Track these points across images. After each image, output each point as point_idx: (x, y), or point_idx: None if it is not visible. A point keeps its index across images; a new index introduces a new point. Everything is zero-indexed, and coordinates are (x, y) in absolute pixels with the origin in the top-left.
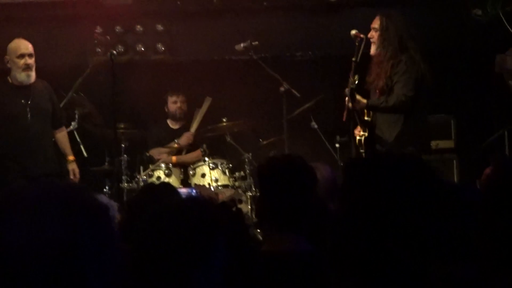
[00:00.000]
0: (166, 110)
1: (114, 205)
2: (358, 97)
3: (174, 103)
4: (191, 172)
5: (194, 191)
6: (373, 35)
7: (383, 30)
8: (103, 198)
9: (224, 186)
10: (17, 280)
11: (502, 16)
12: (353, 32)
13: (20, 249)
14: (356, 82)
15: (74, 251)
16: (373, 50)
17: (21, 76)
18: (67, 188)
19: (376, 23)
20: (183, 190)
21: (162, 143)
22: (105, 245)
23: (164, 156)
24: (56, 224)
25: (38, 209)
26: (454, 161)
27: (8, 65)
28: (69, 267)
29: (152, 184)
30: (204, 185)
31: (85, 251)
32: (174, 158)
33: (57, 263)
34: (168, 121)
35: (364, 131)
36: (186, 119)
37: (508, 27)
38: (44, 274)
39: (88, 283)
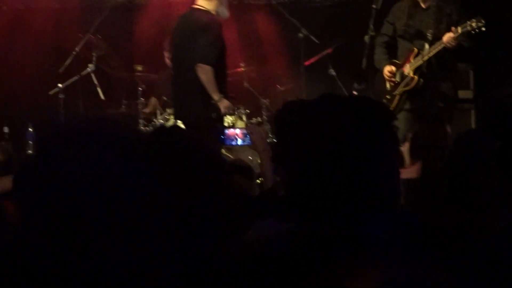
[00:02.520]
0: None
1: None
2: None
3: (166, 58)
4: None
5: (246, 132)
6: None
7: None
8: None
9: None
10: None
11: None
12: None
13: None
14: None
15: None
16: None
17: None
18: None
19: None
20: (236, 130)
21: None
22: None
23: None
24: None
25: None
26: (472, 111)
27: None
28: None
29: (163, 127)
30: (257, 126)
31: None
32: None
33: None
34: None
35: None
36: None
37: None
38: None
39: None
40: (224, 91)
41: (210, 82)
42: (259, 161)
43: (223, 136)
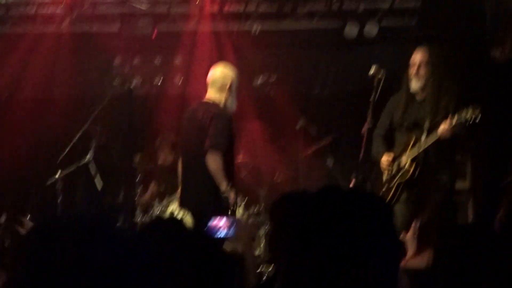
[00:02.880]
0: None
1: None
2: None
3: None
4: None
5: (231, 223)
6: (419, 70)
7: (431, 65)
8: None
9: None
10: None
11: None
12: (373, 69)
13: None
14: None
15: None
16: (416, 85)
17: None
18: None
19: (421, 57)
20: (220, 221)
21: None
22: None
23: None
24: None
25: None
26: (469, 203)
27: None
28: None
29: (160, 218)
30: (242, 222)
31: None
32: None
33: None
34: None
35: (408, 167)
36: None
37: None
38: None
39: None
40: (232, 180)
41: (219, 170)
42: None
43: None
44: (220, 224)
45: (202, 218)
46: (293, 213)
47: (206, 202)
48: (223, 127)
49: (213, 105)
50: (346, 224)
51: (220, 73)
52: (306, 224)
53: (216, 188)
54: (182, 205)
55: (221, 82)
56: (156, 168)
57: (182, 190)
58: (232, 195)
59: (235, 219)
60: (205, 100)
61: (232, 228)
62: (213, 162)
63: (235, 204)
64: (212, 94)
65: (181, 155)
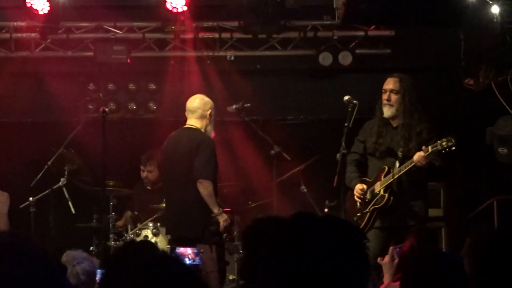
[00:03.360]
0: None
1: (95, 261)
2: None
3: (142, 172)
4: None
5: (198, 252)
6: (391, 97)
7: (403, 93)
8: (81, 253)
9: None
10: None
11: (493, 86)
12: (346, 97)
13: None
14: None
15: None
16: (389, 112)
17: None
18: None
19: (393, 85)
20: (187, 250)
21: (140, 203)
22: None
23: None
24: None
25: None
26: (443, 230)
27: None
28: None
29: (133, 241)
30: (207, 247)
31: None
32: None
33: None
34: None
35: (383, 193)
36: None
37: (500, 97)
38: None
39: None
40: (220, 205)
41: (211, 196)
42: None
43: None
44: (187, 253)
45: (192, 242)
46: (266, 239)
47: (197, 227)
48: (210, 154)
49: (196, 130)
50: (318, 250)
51: (200, 101)
52: (278, 250)
53: (206, 212)
54: (170, 230)
55: (201, 110)
56: (130, 193)
57: (168, 217)
58: (223, 218)
59: (202, 247)
60: (186, 125)
61: (198, 257)
62: (205, 189)
63: (230, 225)
64: (193, 122)
65: (164, 183)
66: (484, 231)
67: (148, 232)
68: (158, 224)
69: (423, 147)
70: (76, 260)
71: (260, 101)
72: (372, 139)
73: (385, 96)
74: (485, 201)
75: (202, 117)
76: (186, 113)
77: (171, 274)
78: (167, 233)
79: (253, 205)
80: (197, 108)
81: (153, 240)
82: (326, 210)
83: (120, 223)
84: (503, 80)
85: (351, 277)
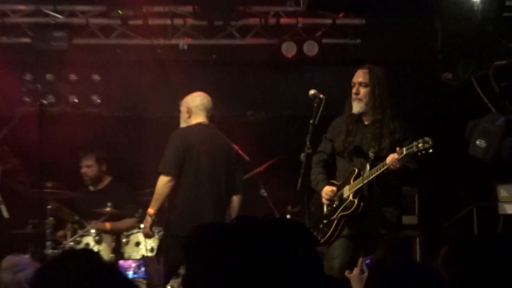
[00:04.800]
0: None
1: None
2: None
3: (81, 168)
4: (124, 240)
5: (141, 264)
6: (360, 91)
7: (373, 86)
8: (24, 259)
9: None
10: None
11: (474, 81)
12: (312, 91)
13: None
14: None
15: None
16: (358, 107)
17: None
18: None
19: (362, 77)
20: (129, 262)
21: (84, 206)
22: None
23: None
24: None
25: None
26: (417, 239)
27: None
28: None
29: (72, 249)
30: (154, 259)
31: None
32: (108, 224)
33: None
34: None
35: (352, 198)
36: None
37: (480, 92)
38: None
39: None
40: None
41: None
42: None
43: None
44: (129, 265)
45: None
46: (208, 249)
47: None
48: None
49: (219, 132)
50: (265, 256)
51: (210, 102)
52: (222, 259)
53: None
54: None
55: (211, 111)
56: (71, 195)
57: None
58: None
59: (148, 259)
60: (205, 122)
61: (142, 270)
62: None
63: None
64: (207, 120)
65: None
66: (464, 238)
67: (89, 240)
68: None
69: (397, 149)
70: (19, 267)
71: (216, 95)
72: (341, 138)
73: (354, 90)
74: (463, 208)
75: (211, 118)
76: (196, 110)
77: (106, 285)
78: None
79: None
80: (209, 108)
81: (95, 249)
82: (288, 216)
83: (60, 233)
84: (484, 74)
85: (302, 282)
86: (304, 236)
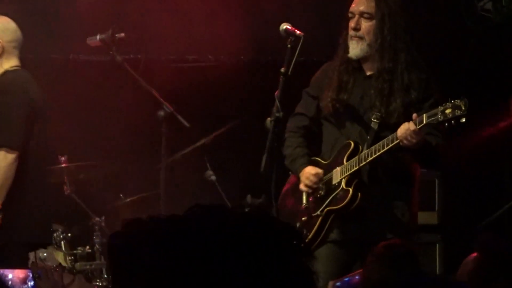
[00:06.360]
0: None
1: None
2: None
3: None
4: None
5: (29, 277)
6: (361, 25)
7: (381, 18)
8: None
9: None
10: None
11: None
12: (284, 26)
13: None
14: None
15: None
16: (357, 50)
17: None
18: None
19: (366, 5)
20: (16, 273)
21: None
22: None
23: None
24: None
25: None
26: (437, 245)
27: None
28: None
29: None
30: (48, 269)
31: None
32: None
33: None
34: None
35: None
36: None
37: None
38: None
39: None
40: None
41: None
42: None
43: None
44: (11, 277)
45: None
46: (144, 252)
47: None
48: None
49: None
50: (226, 260)
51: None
52: (160, 264)
53: None
54: None
55: None
56: None
57: None
58: None
59: (43, 267)
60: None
61: (30, 284)
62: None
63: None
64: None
65: None
66: (503, 245)
67: None
68: None
69: (414, 115)
70: None
71: (144, 31)
72: (330, 94)
73: (352, 24)
74: (504, 203)
75: None
76: (10, 47)
77: None
78: None
79: (127, 200)
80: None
81: None
82: (247, 210)
83: None
84: None
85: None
86: (293, 242)
